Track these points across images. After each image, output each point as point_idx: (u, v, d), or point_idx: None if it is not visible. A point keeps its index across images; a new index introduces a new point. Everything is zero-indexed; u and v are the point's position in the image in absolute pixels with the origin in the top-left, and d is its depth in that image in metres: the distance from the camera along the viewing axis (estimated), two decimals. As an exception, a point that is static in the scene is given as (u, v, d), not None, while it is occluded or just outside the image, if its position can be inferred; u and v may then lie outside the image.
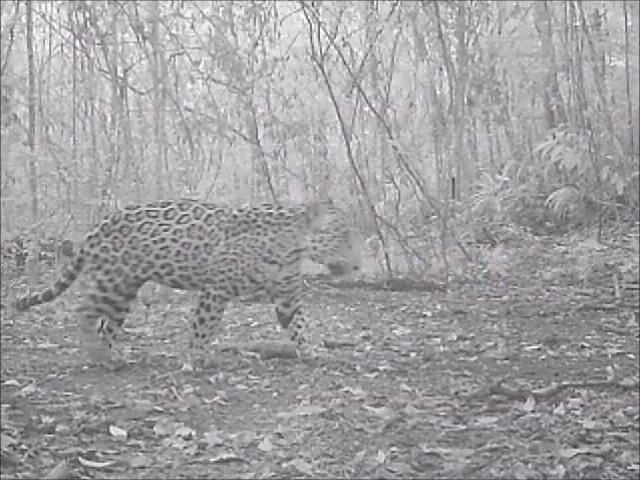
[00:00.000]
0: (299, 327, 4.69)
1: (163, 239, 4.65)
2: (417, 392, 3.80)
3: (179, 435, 3.12)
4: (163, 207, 4.75)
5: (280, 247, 4.58)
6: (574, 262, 8.30)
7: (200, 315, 4.60)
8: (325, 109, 12.41)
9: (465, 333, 5.52)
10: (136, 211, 4.77)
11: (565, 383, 3.73)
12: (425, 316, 6.40)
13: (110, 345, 4.79)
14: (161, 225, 4.67)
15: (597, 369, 4.17)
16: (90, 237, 4.81)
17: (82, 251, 4.85)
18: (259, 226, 4.60)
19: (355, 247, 4.59)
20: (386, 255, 9.19)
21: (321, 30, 10.25)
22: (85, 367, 4.61)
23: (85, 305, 4.76)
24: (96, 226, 4.90)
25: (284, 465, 2.73)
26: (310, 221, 4.56)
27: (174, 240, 4.64)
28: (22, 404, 3.58)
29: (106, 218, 4.88)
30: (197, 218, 4.66)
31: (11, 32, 10.65)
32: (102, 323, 4.82)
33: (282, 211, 4.64)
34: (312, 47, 10.10)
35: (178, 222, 4.66)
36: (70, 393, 3.87)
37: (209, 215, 4.66)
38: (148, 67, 10.04)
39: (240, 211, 4.68)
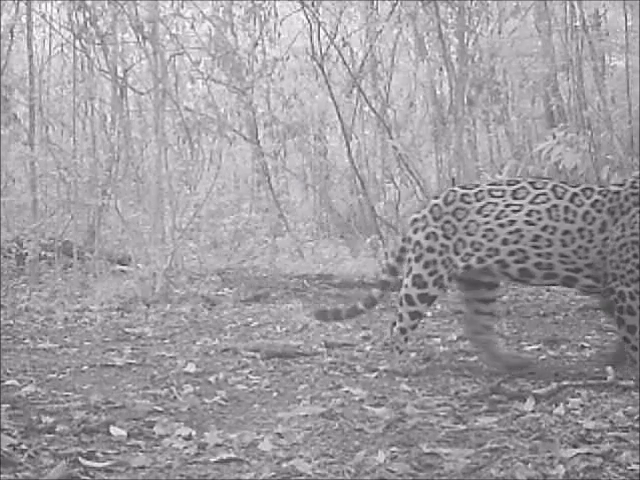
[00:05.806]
0: None
1: (512, 221, 4.03)
2: (417, 392, 3.81)
3: (179, 435, 3.12)
4: (510, 185, 4.13)
5: None
6: (574, 262, 8.27)
7: (627, 323, 3.92)
8: (325, 109, 12.40)
9: (465, 333, 5.52)
10: (475, 190, 4.15)
11: (565, 383, 3.74)
12: (425, 316, 6.39)
13: (495, 343, 4.33)
14: (508, 206, 4.05)
15: (597, 369, 4.17)
16: (415, 220, 4.24)
17: (404, 239, 4.33)
18: None
19: None
20: (386, 255, 9.17)
21: (321, 30, 10.26)
22: (85, 367, 4.61)
23: (400, 315, 4.25)
24: (424, 207, 4.29)
25: (284, 465, 2.74)
26: None
27: (529, 222, 4.01)
28: (22, 404, 3.58)
29: (436, 198, 4.26)
30: (559, 197, 4.00)
31: (11, 32, 10.63)
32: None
33: None
34: (312, 47, 10.11)
35: (532, 202, 4.03)
36: (70, 393, 3.87)
37: (574, 194, 3.99)
38: (148, 67, 10.01)
39: (621, 185, 3.98)
